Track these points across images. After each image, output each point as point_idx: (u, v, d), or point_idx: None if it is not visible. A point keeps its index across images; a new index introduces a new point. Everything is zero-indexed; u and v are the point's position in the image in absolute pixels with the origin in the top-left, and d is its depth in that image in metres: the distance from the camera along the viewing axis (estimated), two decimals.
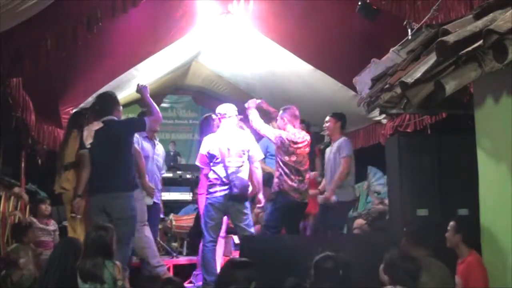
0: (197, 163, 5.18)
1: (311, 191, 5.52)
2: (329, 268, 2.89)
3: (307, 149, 5.17)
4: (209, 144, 4.96)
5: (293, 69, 6.79)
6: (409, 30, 4.52)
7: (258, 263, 3.46)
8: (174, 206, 7.45)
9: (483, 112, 3.42)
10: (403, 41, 4.36)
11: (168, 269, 5.58)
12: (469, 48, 2.81)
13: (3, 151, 5.34)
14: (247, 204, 4.95)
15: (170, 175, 8.01)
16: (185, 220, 6.75)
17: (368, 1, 4.84)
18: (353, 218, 6.40)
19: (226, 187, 4.79)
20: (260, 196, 5.10)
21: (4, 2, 3.53)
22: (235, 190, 4.73)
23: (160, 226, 6.18)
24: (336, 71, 6.40)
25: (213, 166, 4.91)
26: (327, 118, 5.64)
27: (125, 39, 5.65)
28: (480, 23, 2.91)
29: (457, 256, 3.51)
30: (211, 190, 4.90)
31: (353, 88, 5.27)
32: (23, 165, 5.97)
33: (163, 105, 10.89)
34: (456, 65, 3.02)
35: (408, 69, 3.61)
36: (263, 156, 5.43)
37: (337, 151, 5.42)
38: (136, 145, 4.98)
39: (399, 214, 4.47)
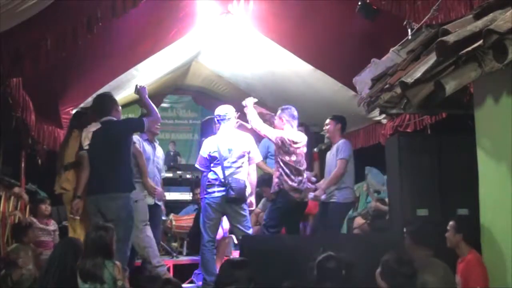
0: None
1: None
2: (332, 268, 2.90)
3: (305, 149, 5.18)
4: (209, 146, 4.98)
5: (293, 69, 6.78)
6: (409, 30, 4.51)
7: (258, 263, 3.47)
8: (174, 206, 7.43)
9: (483, 112, 3.41)
10: (403, 41, 4.35)
11: (168, 269, 5.59)
12: (469, 48, 2.81)
13: (3, 151, 5.32)
14: (245, 205, 4.96)
15: (170, 175, 8.01)
16: (185, 220, 6.76)
17: (368, 1, 4.83)
18: (353, 218, 6.41)
19: (223, 188, 4.80)
20: (252, 199, 5.13)
21: (4, 2, 3.52)
22: (232, 193, 4.76)
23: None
24: (336, 71, 6.39)
25: (213, 167, 4.93)
26: (327, 121, 5.64)
27: (125, 39, 5.64)
28: (480, 23, 2.91)
29: (457, 256, 3.51)
30: (209, 190, 4.92)
31: (353, 88, 5.26)
32: (23, 165, 5.96)
33: (163, 105, 10.87)
34: (456, 65, 3.01)
35: (408, 69, 3.60)
36: (261, 159, 5.46)
37: (335, 153, 5.43)
38: (137, 146, 4.99)
39: (399, 214, 4.47)
